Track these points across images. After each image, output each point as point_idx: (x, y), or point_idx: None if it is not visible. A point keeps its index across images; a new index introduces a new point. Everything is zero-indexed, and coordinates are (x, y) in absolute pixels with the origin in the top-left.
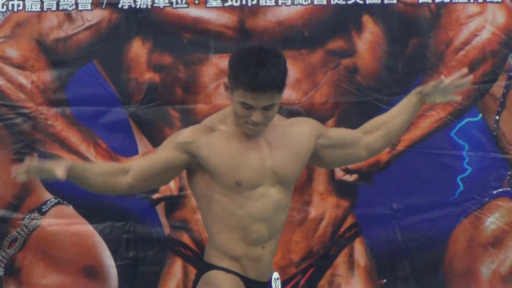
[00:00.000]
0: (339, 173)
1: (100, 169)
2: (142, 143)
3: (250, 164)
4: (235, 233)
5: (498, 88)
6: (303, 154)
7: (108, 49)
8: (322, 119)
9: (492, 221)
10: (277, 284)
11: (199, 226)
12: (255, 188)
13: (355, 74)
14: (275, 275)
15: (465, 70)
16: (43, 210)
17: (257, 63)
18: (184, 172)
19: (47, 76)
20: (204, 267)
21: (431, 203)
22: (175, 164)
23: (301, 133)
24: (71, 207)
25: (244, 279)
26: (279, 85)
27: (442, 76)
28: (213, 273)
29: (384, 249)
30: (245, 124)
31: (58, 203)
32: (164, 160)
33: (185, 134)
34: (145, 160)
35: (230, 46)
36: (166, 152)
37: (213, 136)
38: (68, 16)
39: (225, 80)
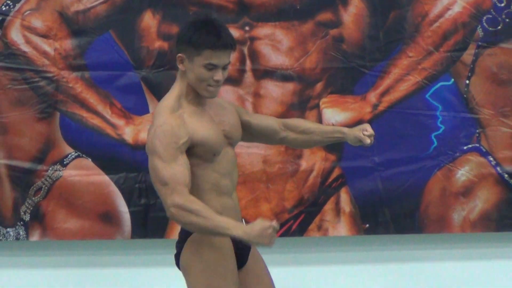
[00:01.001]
0: None
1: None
2: (152, 103)
3: (216, 135)
4: (211, 192)
5: (468, 56)
6: (239, 121)
7: (123, 20)
8: (312, 83)
9: (462, 173)
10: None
11: None
12: (220, 152)
13: (341, 43)
14: (243, 220)
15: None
16: (65, 162)
17: (216, 26)
18: None
19: (68, 44)
20: (187, 231)
21: (408, 157)
22: None
23: (229, 107)
24: (90, 160)
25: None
26: (235, 44)
27: (363, 131)
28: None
29: (367, 197)
30: (207, 87)
31: (78, 156)
32: (187, 163)
33: (180, 135)
34: (183, 173)
35: (231, 18)
36: (181, 157)
37: (190, 124)
38: None
39: (179, 54)
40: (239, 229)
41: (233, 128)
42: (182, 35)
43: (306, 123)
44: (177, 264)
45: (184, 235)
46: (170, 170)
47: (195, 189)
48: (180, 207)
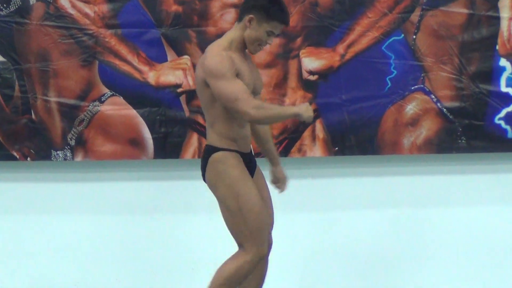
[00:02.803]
0: (305, 74)
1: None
2: (170, 53)
3: (251, 80)
4: (234, 122)
5: (415, 16)
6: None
7: None
8: (294, 38)
9: (410, 108)
10: (252, 152)
11: None
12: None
13: (316, 7)
14: (251, 146)
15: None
16: (102, 99)
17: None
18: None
19: (105, 8)
20: (211, 150)
21: (368, 95)
22: None
23: (257, 68)
24: (121, 97)
25: (240, 154)
26: None
27: (279, 184)
28: (220, 153)
29: (336, 127)
30: (258, 46)
31: (112, 95)
32: (242, 83)
33: (231, 63)
34: (244, 86)
35: None
36: (235, 78)
37: (236, 62)
38: None
39: (251, 15)
40: (299, 109)
41: (259, 83)
42: (262, 3)
43: (262, 129)
44: (203, 176)
45: (207, 154)
46: (236, 86)
47: (226, 118)
48: (257, 107)
